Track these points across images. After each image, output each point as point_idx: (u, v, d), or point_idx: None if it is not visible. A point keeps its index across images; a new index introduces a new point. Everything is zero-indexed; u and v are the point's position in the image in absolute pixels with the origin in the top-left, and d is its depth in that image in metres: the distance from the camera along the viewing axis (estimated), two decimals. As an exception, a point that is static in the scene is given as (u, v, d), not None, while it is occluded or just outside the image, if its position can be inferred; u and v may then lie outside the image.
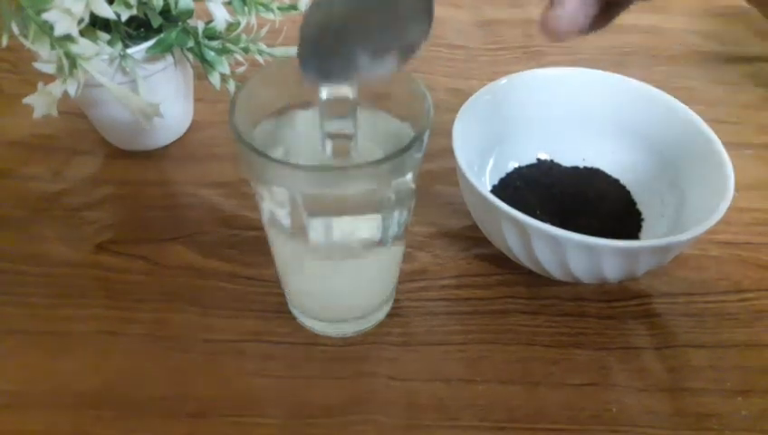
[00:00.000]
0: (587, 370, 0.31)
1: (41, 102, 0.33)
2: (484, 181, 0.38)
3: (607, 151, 0.39)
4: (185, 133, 0.44)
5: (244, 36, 0.37)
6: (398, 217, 0.28)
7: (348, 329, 0.32)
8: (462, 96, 0.36)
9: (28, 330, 0.32)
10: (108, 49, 0.34)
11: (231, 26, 0.36)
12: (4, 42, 0.32)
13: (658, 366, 0.32)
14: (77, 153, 0.43)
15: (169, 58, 0.38)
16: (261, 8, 0.36)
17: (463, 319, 0.33)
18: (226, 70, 0.36)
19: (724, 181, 0.31)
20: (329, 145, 0.27)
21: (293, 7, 0.37)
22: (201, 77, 0.38)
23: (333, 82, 0.25)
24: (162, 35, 0.36)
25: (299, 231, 0.27)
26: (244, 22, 0.36)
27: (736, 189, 0.31)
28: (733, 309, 0.34)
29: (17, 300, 0.34)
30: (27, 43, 0.31)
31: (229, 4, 0.35)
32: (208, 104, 0.45)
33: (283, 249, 0.30)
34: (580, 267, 0.30)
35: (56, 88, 0.32)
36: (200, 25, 0.36)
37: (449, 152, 0.32)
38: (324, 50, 0.23)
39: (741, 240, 0.38)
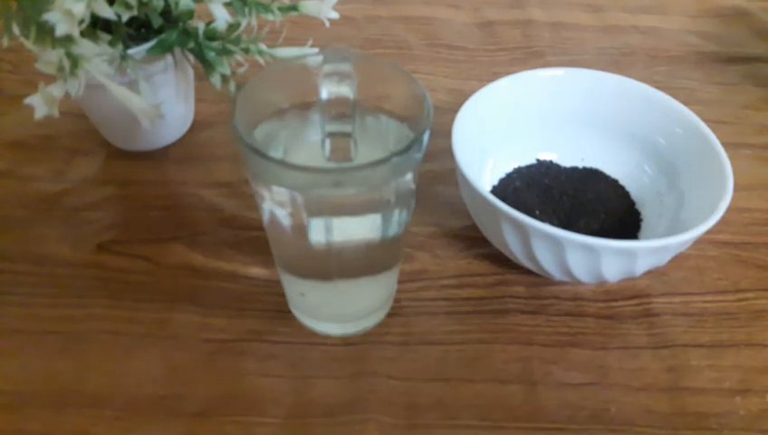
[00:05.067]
0: (586, 369, 0.32)
1: (42, 103, 0.33)
2: (484, 181, 0.38)
3: (606, 152, 0.39)
4: (185, 134, 0.44)
5: (244, 37, 0.37)
6: (398, 217, 0.28)
7: (348, 329, 0.32)
8: (462, 96, 0.36)
9: (28, 330, 0.33)
10: (109, 50, 0.34)
11: (231, 27, 0.36)
12: (5, 42, 0.32)
13: (657, 366, 0.32)
14: (78, 153, 0.43)
15: (170, 59, 0.38)
16: (261, 9, 0.36)
17: (462, 319, 0.33)
18: (227, 70, 0.36)
19: (723, 181, 0.32)
20: (329, 145, 0.28)
21: (294, 8, 0.37)
22: (202, 78, 0.39)
23: None
24: (163, 36, 0.36)
25: (299, 231, 0.27)
26: (244, 23, 0.36)
27: (735, 190, 0.31)
28: (731, 309, 0.34)
29: (18, 300, 0.34)
30: (28, 44, 0.31)
31: (230, 4, 0.35)
32: (209, 105, 0.45)
33: (283, 249, 0.30)
34: (579, 267, 0.30)
35: (57, 88, 0.32)
36: (201, 26, 0.36)
37: (449, 152, 0.33)
38: None
39: (740, 240, 0.38)
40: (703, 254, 0.37)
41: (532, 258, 0.31)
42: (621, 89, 0.38)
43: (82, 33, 0.31)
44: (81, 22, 0.30)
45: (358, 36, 0.55)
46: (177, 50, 0.37)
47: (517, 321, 0.34)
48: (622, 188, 0.38)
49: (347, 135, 0.27)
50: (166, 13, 0.35)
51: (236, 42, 0.36)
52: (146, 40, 0.36)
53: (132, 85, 0.36)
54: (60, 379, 0.31)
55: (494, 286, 0.35)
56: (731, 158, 0.33)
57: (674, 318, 0.34)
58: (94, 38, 0.33)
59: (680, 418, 0.30)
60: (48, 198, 0.40)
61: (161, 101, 0.36)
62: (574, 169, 0.39)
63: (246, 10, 0.36)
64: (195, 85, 0.43)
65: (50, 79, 0.32)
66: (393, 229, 0.28)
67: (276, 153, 0.28)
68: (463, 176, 0.32)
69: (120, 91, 0.34)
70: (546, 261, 0.31)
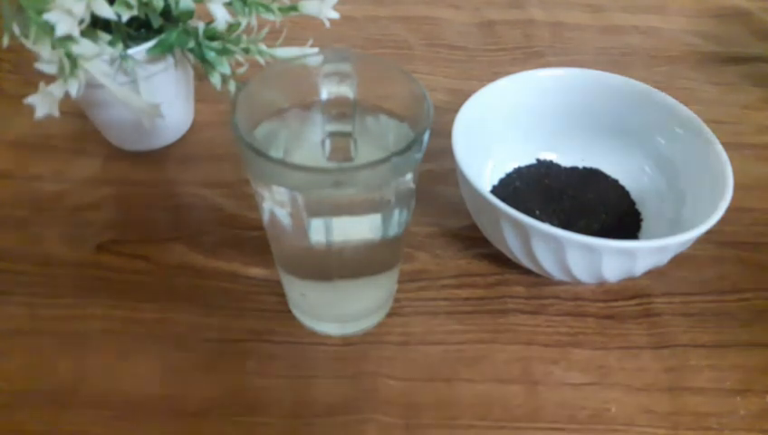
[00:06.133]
0: (586, 369, 0.32)
1: (42, 103, 0.33)
2: (484, 181, 0.38)
3: (606, 152, 0.39)
4: (186, 134, 0.44)
5: (244, 37, 0.37)
6: (398, 217, 0.28)
7: (348, 329, 0.32)
8: (462, 96, 0.36)
9: (28, 330, 0.33)
10: (109, 49, 0.34)
11: (231, 27, 0.36)
12: (6, 42, 0.32)
13: (657, 366, 0.32)
14: (78, 153, 0.43)
15: (170, 59, 0.38)
16: (261, 9, 0.36)
17: (462, 319, 0.33)
18: (227, 70, 0.36)
19: (723, 181, 0.32)
20: (329, 145, 0.28)
21: (294, 8, 0.37)
22: (202, 78, 0.39)
23: None
24: (163, 36, 0.36)
25: (299, 231, 0.27)
26: (244, 22, 0.36)
27: (735, 190, 0.31)
28: (731, 309, 0.34)
29: (18, 300, 0.34)
30: (28, 44, 0.31)
31: (230, 4, 0.35)
32: (209, 105, 0.46)
33: (283, 249, 0.30)
34: (579, 267, 0.30)
35: (57, 88, 0.32)
36: (201, 26, 0.36)
37: (449, 152, 0.33)
38: None
39: (740, 240, 0.38)
40: (703, 254, 0.37)
41: (533, 258, 0.31)
42: (621, 89, 0.38)
43: (82, 33, 0.31)
44: (81, 22, 0.30)
45: (358, 36, 0.55)
46: (177, 50, 0.37)
47: (517, 321, 0.34)
48: (622, 188, 0.38)
49: (347, 135, 0.27)
50: (166, 13, 0.35)
51: (236, 42, 0.36)
52: (146, 40, 0.36)
53: (132, 85, 0.36)
54: (60, 379, 0.31)
55: (494, 286, 0.35)
56: (731, 158, 0.33)
57: (674, 318, 0.34)
58: (94, 38, 0.33)
59: (680, 418, 0.30)
60: (48, 198, 0.40)
61: (161, 101, 0.36)
62: (574, 169, 0.39)
63: (246, 10, 0.36)
64: (195, 85, 0.43)
65: (50, 79, 0.32)
66: (393, 229, 0.28)
67: (276, 153, 0.28)
68: (463, 176, 0.32)
69: (120, 91, 0.34)
70: (546, 261, 0.31)
